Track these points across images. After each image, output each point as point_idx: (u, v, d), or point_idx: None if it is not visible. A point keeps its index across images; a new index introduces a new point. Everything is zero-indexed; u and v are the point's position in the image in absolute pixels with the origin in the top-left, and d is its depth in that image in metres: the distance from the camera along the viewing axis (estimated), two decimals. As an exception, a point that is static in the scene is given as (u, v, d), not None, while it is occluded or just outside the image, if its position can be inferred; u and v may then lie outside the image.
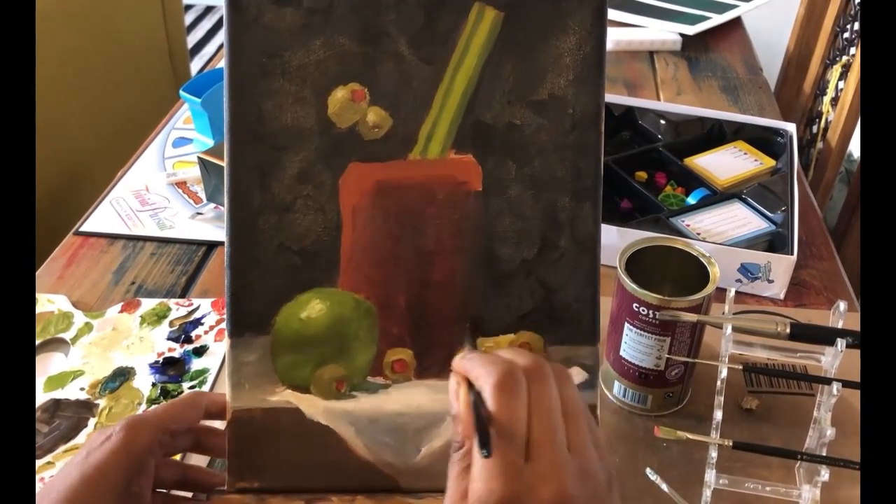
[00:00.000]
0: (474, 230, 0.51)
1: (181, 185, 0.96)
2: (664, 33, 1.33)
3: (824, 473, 0.53)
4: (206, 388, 0.69)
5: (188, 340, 0.74)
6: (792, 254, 0.78)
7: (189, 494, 0.54)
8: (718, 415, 0.56)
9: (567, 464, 0.39)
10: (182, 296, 0.80)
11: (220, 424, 0.53)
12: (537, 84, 0.50)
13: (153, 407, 0.52)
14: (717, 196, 0.89)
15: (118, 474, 0.47)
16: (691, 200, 0.89)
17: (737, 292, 0.78)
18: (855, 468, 0.52)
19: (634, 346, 0.63)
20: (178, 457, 0.59)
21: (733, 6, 1.41)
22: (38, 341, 0.73)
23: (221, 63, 1.17)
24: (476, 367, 0.43)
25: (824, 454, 0.55)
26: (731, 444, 0.54)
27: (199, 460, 0.60)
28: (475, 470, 0.39)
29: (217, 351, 0.72)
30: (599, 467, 0.40)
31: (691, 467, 0.61)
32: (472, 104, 0.50)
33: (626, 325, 0.63)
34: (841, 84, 1.31)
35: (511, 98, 0.50)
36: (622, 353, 0.64)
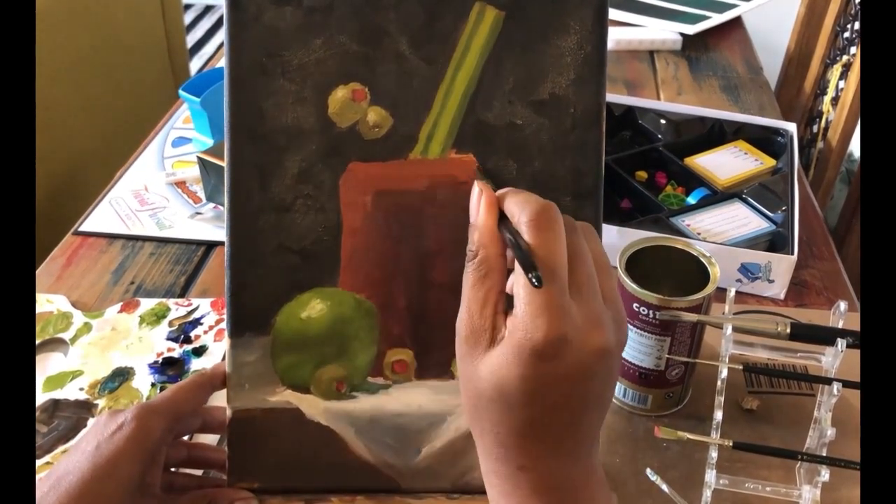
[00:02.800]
0: (475, 230, 0.51)
1: (180, 184, 0.96)
2: (664, 33, 1.33)
3: (824, 474, 0.53)
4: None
5: (187, 340, 0.74)
6: (792, 254, 0.78)
7: (199, 472, 0.54)
8: (719, 415, 0.56)
9: (606, 312, 0.38)
10: (181, 296, 0.80)
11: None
12: (538, 83, 0.50)
13: (162, 393, 0.51)
14: (717, 196, 0.89)
15: (132, 467, 0.46)
16: (691, 200, 0.89)
17: (737, 292, 0.78)
18: (855, 468, 0.52)
19: (635, 346, 0.63)
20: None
21: (733, 5, 1.41)
22: (37, 341, 0.73)
23: (221, 62, 1.17)
24: (509, 197, 0.40)
25: (825, 454, 0.55)
26: (731, 444, 0.54)
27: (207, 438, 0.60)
28: (519, 299, 0.36)
29: (216, 351, 0.72)
30: (622, 320, 0.40)
31: (692, 468, 0.61)
32: (472, 104, 0.50)
33: (627, 325, 0.62)
34: (841, 84, 1.30)
35: (512, 98, 0.50)
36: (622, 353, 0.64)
